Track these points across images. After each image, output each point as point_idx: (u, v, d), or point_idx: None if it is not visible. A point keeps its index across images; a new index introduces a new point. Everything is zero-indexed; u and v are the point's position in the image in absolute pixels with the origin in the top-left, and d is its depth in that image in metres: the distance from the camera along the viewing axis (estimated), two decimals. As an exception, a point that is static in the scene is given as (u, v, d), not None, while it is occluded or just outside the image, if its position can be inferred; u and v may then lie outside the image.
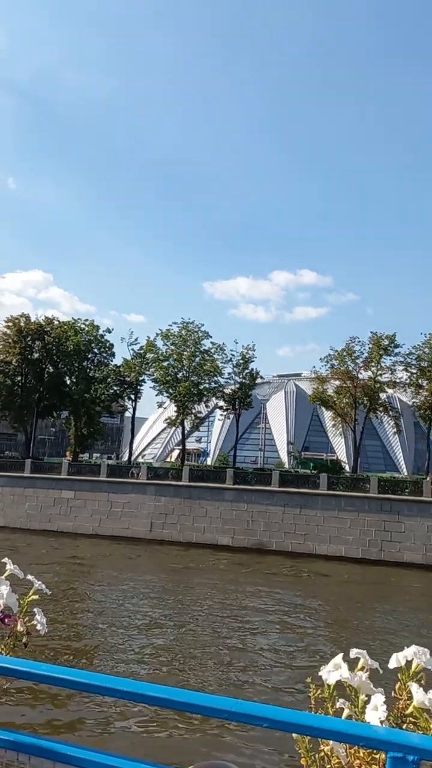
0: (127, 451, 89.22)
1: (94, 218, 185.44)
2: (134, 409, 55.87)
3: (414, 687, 1.55)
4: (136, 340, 54.13)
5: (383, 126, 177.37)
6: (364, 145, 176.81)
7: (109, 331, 57.63)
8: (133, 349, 54.09)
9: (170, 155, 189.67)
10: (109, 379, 53.25)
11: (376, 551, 38.53)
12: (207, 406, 53.66)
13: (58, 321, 58.36)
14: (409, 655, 1.65)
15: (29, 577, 2.38)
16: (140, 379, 52.57)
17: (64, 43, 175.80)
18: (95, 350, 56.66)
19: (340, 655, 1.68)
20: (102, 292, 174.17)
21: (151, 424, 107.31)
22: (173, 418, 51.36)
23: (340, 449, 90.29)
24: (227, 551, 40.75)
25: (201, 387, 50.87)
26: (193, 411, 51.77)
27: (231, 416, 55.48)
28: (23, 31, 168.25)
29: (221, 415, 55.65)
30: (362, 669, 1.71)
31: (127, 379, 53.70)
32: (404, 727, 1.54)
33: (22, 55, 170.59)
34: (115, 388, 54.57)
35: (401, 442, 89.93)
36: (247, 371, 52.37)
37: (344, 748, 1.52)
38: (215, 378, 51.30)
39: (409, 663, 1.65)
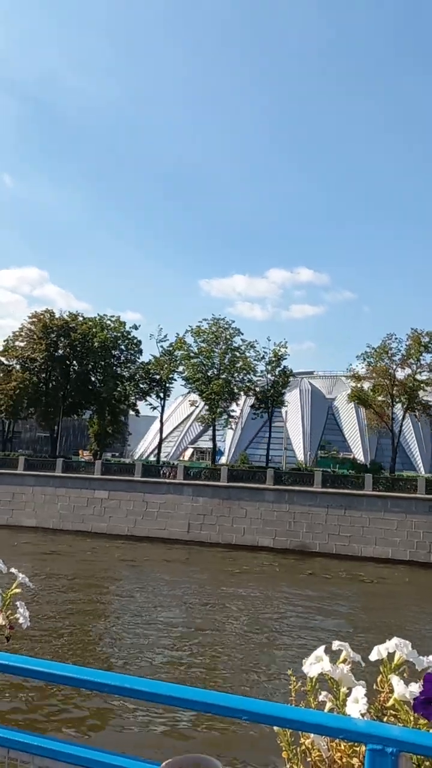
0: (133, 449, 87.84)
1: (92, 217, 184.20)
2: (162, 407, 54.51)
3: (395, 680, 1.54)
4: (165, 336, 52.70)
5: (383, 125, 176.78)
6: (364, 145, 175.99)
7: (136, 327, 56.11)
8: (162, 346, 52.69)
9: (169, 155, 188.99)
10: (138, 377, 51.70)
11: (424, 553, 37.33)
12: (237, 405, 52.20)
13: (83, 317, 56.84)
14: (391, 647, 1.64)
15: (12, 570, 2.37)
16: (170, 377, 50.99)
17: (66, 45, 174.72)
18: (122, 347, 55.10)
19: (322, 647, 1.67)
20: (97, 290, 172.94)
21: (164, 421, 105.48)
22: (205, 416, 49.84)
23: (356, 448, 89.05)
24: (269, 552, 39.48)
25: (233, 385, 49.40)
26: (227, 410, 50.29)
27: (262, 415, 53.91)
28: (26, 32, 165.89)
29: (254, 414, 54.22)
30: (344, 661, 1.69)
31: (156, 376, 52.19)
32: (385, 719, 1.53)
33: (25, 56, 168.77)
34: (143, 386, 53.01)
35: (417, 441, 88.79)
36: (279, 369, 50.98)
37: (325, 740, 1.51)
38: (249, 376, 49.91)
39: (390, 655, 1.64)
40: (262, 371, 51.46)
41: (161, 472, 47.75)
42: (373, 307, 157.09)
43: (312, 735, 1.54)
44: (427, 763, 1.39)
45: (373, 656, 1.65)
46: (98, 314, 57.22)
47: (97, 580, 28.46)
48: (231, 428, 56.21)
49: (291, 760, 1.57)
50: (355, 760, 1.47)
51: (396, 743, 1.29)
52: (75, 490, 45.79)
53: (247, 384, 51.24)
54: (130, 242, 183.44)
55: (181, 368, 52.13)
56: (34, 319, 55.98)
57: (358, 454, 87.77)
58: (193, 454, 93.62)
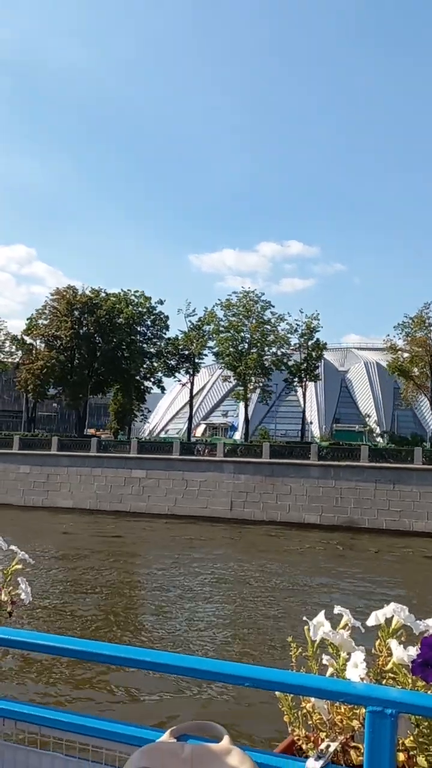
0: (141, 427, 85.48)
1: (78, 192, 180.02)
2: (192, 383, 52.77)
3: (393, 644, 1.59)
4: (194, 311, 50.90)
5: (377, 95, 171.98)
6: (355, 113, 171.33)
7: (161, 302, 54.22)
8: (190, 321, 50.93)
9: (155, 128, 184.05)
10: (167, 353, 50.00)
11: None
12: (269, 379, 50.69)
13: (106, 293, 54.86)
14: (389, 612, 1.68)
15: (12, 547, 2.38)
16: (201, 352, 49.34)
17: (38, 11, 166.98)
18: (147, 323, 53.26)
19: (322, 612, 1.70)
20: (87, 267, 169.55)
21: (172, 398, 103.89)
22: (239, 392, 48.26)
23: (372, 420, 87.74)
24: (316, 530, 38.32)
25: (264, 359, 47.87)
26: (260, 385, 48.79)
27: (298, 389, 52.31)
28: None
29: (287, 388, 52.75)
30: (344, 627, 1.73)
31: (185, 352, 50.50)
32: (384, 682, 1.57)
33: (2, 23, 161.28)
34: (172, 362, 51.34)
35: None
36: (312, 341, 49.36)
37: (326, 704, 1.55)
38: (282, 349, 48.39)
39: (389, 620, 1.68)
40: (294, 344, 49.80)
41: (195, 449, 46.28)
42: (364, 279, 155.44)
43: (313, 699, 1.56)
44: (425, 723, 1.40)
45: (371, 621, 1.68)
46: (122, 289, 55.30)
47: (179, 560, 27.16)
48: (266, 404, 54.68)
49: (293, 723, 1.59)
50: (355, 722, 1.50)
51: (395, 705, 1.31)
52: (111, 469, 44.42)
53: (280, 357, 49.59)
54: (119, 218, 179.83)
55: (211, 343, 50.35)
56: (56, 296, 53.87)
57: (374, 425, 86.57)
58: (205, 430, 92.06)
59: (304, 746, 1.58)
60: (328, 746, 1.50)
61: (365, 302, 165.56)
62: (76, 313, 53.75)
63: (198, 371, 54.71)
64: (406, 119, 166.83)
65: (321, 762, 1.43)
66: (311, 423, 78.23)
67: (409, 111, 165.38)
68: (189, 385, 53.81)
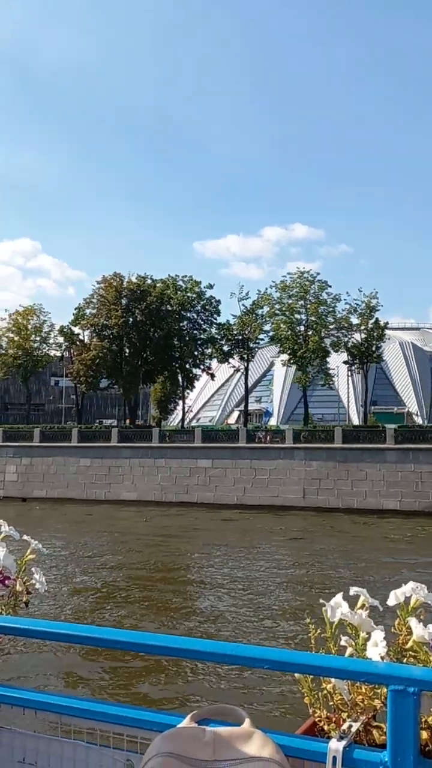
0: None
1: (81, 184, 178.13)
2: (246, 369, 50.65)
3: (413, 622, 1.58)
4: (246, 294, 48.69)
5: (380, 73, 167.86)
6: (360, 94, 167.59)
7: (210, 286, 51.98)
8: (244, 305, 48.76)
9: (156, 115, 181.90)
10: (222, 339, 47.86)
11: None
12: (327, 362, 48.48)
13: (153, 279, 52.66)
14: (408, 591, 1.68)
15: (25, 537, 2.42)
16: (259, 336, 47.18)
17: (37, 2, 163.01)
18: (198, 308, 51.09)
19: (340, 594, 1.69)
20: (92, 258, 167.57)
21: (201, 387, 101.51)
22: (299, 377, 46.12)
23: (410, 402, 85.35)
24: (397, 516, 36.33)
25: (324, 341, 45.73)
26: (324, 368, 46.62)
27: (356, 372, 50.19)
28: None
29: (348, 371, 50.60)
30: (362, 607, 1.72)
31: (239, 337, 48.35)
32: (404, 661, 1.57)
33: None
34: (226, 348, 49.23)
35: None
36: (372, 321, 47.07)
37: (346, 684, 1.54)
38: (342, 330, 46.21)
39: (407, 599, 1.68)
40: (355, 325, 47.54)
41: (256, 437, 44.23)
42: (370, 260, 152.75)
43: (333, 680, 1.55)
44: None
45: (391, 601, 1.67)
46: (169, 275, 53.12)
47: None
48: (330, 387, 52.49)
49: (314, 705, 1.58)
50: (377, 702, 1.48)
51: (417, 683, 1.30)
52: (175, 460, 42.61)
53: (340, 339, 47.39)
54: (120, 207, 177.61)
55: (266, 327, 48.15)
56: (104, 285, 51.73)
57: (413, 407, 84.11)
58: (239, 417, 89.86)
59: (325, 727, 1.54)
60: (350, 726, 1.47)
61: (372, 283, 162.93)
62: (124, 301, 51.60)
63: (253, 356, 52.51)
64: (409, 95, 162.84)
65: (344, 742, 1.40)
66: (342, 408, 75.96)
67: (411, 85, 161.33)
68: (243, 370, 51.61)
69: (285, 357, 49.41)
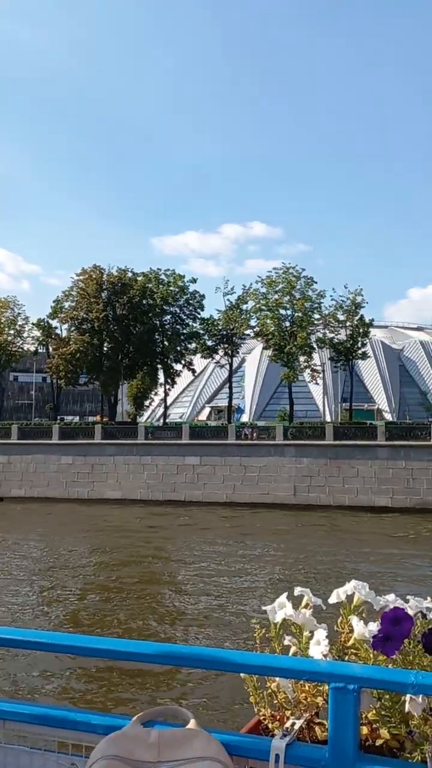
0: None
1: (36, 174, 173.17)
2: (231, 365, 49.50)
3: (355, 620, 1.62)
4: (232, 289, 47.57)
5: (347, 67, 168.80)
6: (311, 92, 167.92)
7: (194, 281, 50.64)
8: (229, 300, 47.57)
9: (116, 109, 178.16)
10: (206, 334, 46.58)
11: None
12: (311, 358, 47.74)
13: (134, 273, 50.98)
14: (350, 589, 1.72)
15: None
16: (245, 332, 46.05)
17: None
18: (180, 302, 49.64)
19: (285, 594, 1.73)
20: (48, 251, 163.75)
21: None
22: (286, 374, 45.22)
23: (380, 399, 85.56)
24: (389, 513, 35.90)
25: (311, 337, 45.00)
26: (310, 364, 45.87)
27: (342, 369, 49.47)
28: None
29: (334, 367, 49.96)
30: (306, 606, 1.76)
31: (224, 332, 47.16)
32: (346, 658, 1.61)
33: None
34: (210, 343, 47.95)
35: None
36: (357, 318, 46.49)
37: (290, 683, 1.57)
38: (330, 326, 45.53)
39: (350, 597, 1.72)
40: (341, 321, 46.89)
41: (242, 434, 43.16)
42: (327, 260, 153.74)
43: (277, 678, 1.58)
44: (387, 696, 1.44)
45: (333, 599, 1.72)
46: (151, 268, 51.54)
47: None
48: (317, 383, 51.80)
49: (258, 703, 1.60)
50: (319, 699, 1.52)
51: (357, 680, 1.34)
52: (161, 457, 41.35)
53: (326, 336, 46.71)
54: (79, 200, 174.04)
55: (252, 322, 47.11)
56: (84, 277, 49.72)
57: (383, 404, 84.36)
58: (210, 414, 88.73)
59: (270, 725, 1.57)
60: (293, 724, 1.50)
61: (330, 282, 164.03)
62: (105, 294, 49.74)
63: (238, 352, 51.33)
64: (363, 98, 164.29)
65: (287, 740, 1.43)
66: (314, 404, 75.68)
67: (366, 89, 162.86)
68: (228, 366, 50.44)
69: (268, 352, 48.39)
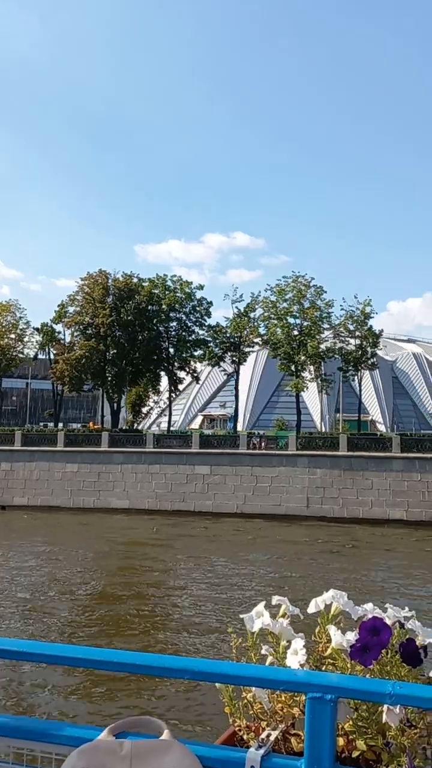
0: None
1: (18, 178, 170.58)
2: (237, 373, 48.36)
3: (332, 629, 1.61)
4: (240, 297, 46.58)
5: (329, 72, 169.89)
6: (307, 100, 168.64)
7: (201, 287, 49.56)
8: (237, 308, 46.59)
9: (102, 113, 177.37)
10: (216, 341, 45.48)
11: None
12: (320, 369, 46.88)
13: (139, 278, 49.77)
14: (328, 599, 1.70)
15: None
16: (255, 340, 45.05)
17: None
18: (186, 309, 48.54)
19: (263, 603, 1.71)
20: (29, 257, 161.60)
21: (163, 389, 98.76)
22: (296, 383, 44.23)
23: (374, 410, 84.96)
24: (404, 526, 34.98)
25: (321, 347, 44.20)
26: (321, 374, 44.97)
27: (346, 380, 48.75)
28: None
29: (344, 377, 49.05)
30: (283, 616, 1.74)
31: (233, 340, 46.08)
32: (323, 668, 1.59)
33: None
34: (217, 350, 46.82)
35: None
36: (365, 328, 45.71)
37: (266, 693, 1.56)
38: (340, 336, 44.76)
39: (328, 607, 1.70)
40: (351, 330, 46.12)
41: (251, 443, 42.00)
42: (309, 271, 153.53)
43: (253, 689, 1.56)
44: (364, 707, 1.42)
45: (312, 609, 1.69)
46: (157, 274, 50.42)
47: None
48: (327, 393, 50.88)
49: (234, 714, 1.58)
50: (295, 710, 1.50)
51: (334, 690, 1.33)
52: (170, 466, 40.18)
53: (335, 345, 45.91)
54: (62, 206, 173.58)
55: (261, 330, 46.09)
56: (89, 281, 48.41)
57: (376, 416, 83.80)
58: (203, 422, 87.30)
59: (245, 736, 1.55)
60: (268, 735, 1.48)
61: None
62: (110, 299, 48.39)
63: (246, 360, 50.24)
64: (343, 116, 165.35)
65: (262, 751, 1.40)
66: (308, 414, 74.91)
67: (346, 106, 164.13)
68: (235, 375, 49.35)
69: (277, 362, 47.48)
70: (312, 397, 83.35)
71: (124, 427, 58.77)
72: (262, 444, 43.78)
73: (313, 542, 31.13)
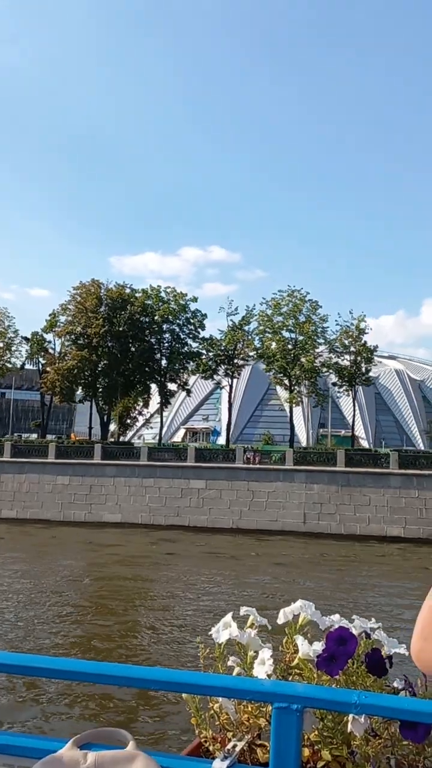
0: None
1: None
2: (231, 386, 47.68)
3: (300, 640, 1.62)
4: (235, 310, 46.05)
5: (312, 100, 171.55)
6: (287, 119, 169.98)
7: (195, 299, 48.86)
8: (232, 320, 45.99)
9: (80, 123, 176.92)
10: (211, 353, 44.74)
11: None
12: (314, 383, 46.48)
13: (132, 288, 48.98)
14: (296, 609, 1.72)
15: None
16: (250, 353, 44.47)
17: None
18: (179, 321, 47.80)
19: (230, 613, 1.70)
20: (1, 265, 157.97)
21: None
22: (291, 397, 43.72)
23: (357, 425, 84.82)
24: (401, 542, 34.57)
25: (317, 361, 43.85)
26: (315, 389, 44.55)
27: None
28: None
29: (338, 392, 48.69)
30: (251, 626, 1.74)
31: (228, 353, 45.44)
32: (290, 678, 1.60)
33: None
34: (212, 363, 46.10)
35: (415, 417, 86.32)
36: (359, 343, 45.46)
37: (233, 703, 1.55)
38: (336, 350, 44.46)
39: (296, 617, 1.72)
40: (345, 345, 45.85)
41: (245, 457, 41.24)
42: (283, 285, 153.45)
43: (220, 699, 1.55)
44: (329, 717, 1.44)
45: (281, 619, 1.71)
46: (151, 285, 49.67)
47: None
48: (322, 407, 50.42)
49: (200, 725, 1.57)
50: (261, 720, 1.51)
51: (300, 699, 1.32)
52: (165, 479, 39.32)
53: (329, 360, 45.58)
54: (34, 214, 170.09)
55: (256, 343, 45.56)
56: (82, 291, 47.36)
57: (359, 431, 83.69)
58: (185, 435, 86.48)
59: (210, 748, 1.54)
60: (234, 746, 1.48)
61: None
62: (103, 309, 47.40)
63: (240, 373, 49.56)
64: (322, 132, 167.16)
65: (227, 762, 1.40)
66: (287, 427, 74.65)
67: (326, 124, 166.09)
68: (228, 388, 48.63)
69: (270, 374, 46.96)
70: (296, 412, 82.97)
71: (110, 440, 57.58)
72: (256, 458, 43.03)
73: (318, 559, 30.46)
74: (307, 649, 1.56)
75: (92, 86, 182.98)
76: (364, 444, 76.81)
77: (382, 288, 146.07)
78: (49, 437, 55.48)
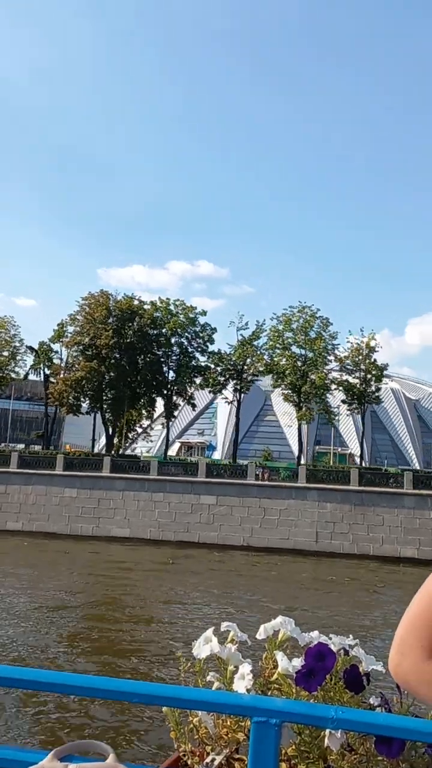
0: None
1: None
2: (239, 402, 46.86)
3: (279, 655, 1.64)
4: (246, 324, 45.36)
5: (301, 102, 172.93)
6: (260, 138, 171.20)
7: (204, 313, 48.19)
8: (242, 335, 45.38)
9: (72, 134, 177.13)
10: (220, 368, 43.99)
11: None
12: (323, 400, 45.86)
13: (141, 300, 48.27)
14: (276, 625, 1.74)
15: None
16: (260, 370, 43.79)
17: None
18: (188, 334, 47.13)
19: (211, 629, 1.71)
20: None
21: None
22: (301, 414, 43.04)
23: (353, 443, 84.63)
24: (414, 564, 33.86)
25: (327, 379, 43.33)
26: (325, 406, 43.92)
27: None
28: None
29: (347, 411, 48.06)
30: (232, 641, 1.75)
31: (237, 367, 44.73)
32: (269, 693, 1.62)
33: None
34: (221, 378, 45.39)
35: (410, 436, 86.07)
36: (369, 361, 45.00)
37: (212, 718, 1.57)
38: (347, 368, 43.97)
39: (276, 633, 1.74)
40: (356, 363, 45.38)
41: (255, 474, 40.47)
42: (270, 301, 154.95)
43: (200, 713, 1.57)
44: (307, 731, 1.46)
45: (261, 635, 1.73)
46: (160, 297, 49.02)
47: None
48: (333, 425, 49.76)
49: (179, 739, 1.58)
50: (240, 735, 1.53)
51: (279, 714, 1.33)
52: (175, 495, 38.49)
53: (342, 378, 45.08)
54: (23, 224, 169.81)
55: (266, 359, 44.94)
56: (91, 301, 46.53)
57: (355, 449, 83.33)
58: (180, 449, 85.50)
59: (189, 761, 1.55)
60: (213, 760, 1.50)
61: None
62: (111, 320, 46.55)
63: (249, 388, 48.79)
64: (308, 144, 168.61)
65: None
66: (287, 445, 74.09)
67: (313, 135, 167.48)
68: (236, 403, 47.86)
69: (280, 390, 46.28)
70: (291, 429, 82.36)
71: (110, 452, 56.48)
72: (265, 476, 42.20)
73: (342, 581, 29.56)
74: (287, 664, 1.57)
75: (81, 98, 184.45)
76: (358, 462, 76.36)
77: (368, 308, 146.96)
78: (36, 448, 54.19)
